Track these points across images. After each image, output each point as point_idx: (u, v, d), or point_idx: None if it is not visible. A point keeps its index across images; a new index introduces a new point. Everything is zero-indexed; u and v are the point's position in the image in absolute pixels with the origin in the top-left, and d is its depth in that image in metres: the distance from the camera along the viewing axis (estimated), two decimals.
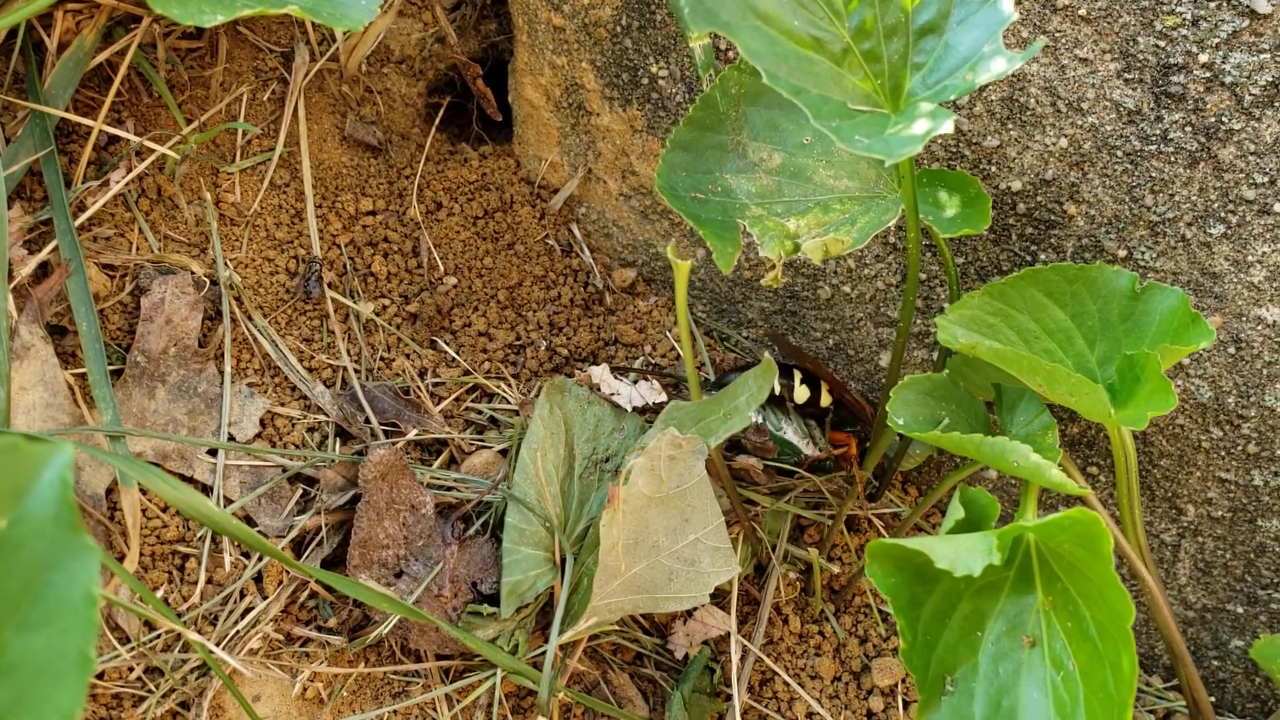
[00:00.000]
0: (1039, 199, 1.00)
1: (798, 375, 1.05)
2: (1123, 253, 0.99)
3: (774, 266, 0.85)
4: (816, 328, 1.18)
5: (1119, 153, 0.96)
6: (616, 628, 1.05)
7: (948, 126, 0.69)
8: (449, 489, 1.02)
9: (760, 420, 1.05)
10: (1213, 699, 1.19)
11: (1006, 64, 0.73)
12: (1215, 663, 1.17)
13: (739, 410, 0.87)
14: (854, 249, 0.86)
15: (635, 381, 1.04)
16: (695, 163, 0.91)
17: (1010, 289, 0.88)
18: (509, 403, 1.11)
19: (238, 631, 0.92)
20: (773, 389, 1.04)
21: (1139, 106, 0.94)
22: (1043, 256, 1.03)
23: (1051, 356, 0.88)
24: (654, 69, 1.12)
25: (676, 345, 1.19)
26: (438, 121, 1.25)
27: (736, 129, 0.92)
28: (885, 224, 0.87)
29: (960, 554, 0.74)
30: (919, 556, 0.77)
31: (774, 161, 0.93)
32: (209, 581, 0.93)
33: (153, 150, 1.02)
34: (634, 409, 1.03)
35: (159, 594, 0.92)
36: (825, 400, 1.06)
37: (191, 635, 0.79)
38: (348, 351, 1.07)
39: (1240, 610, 1.12)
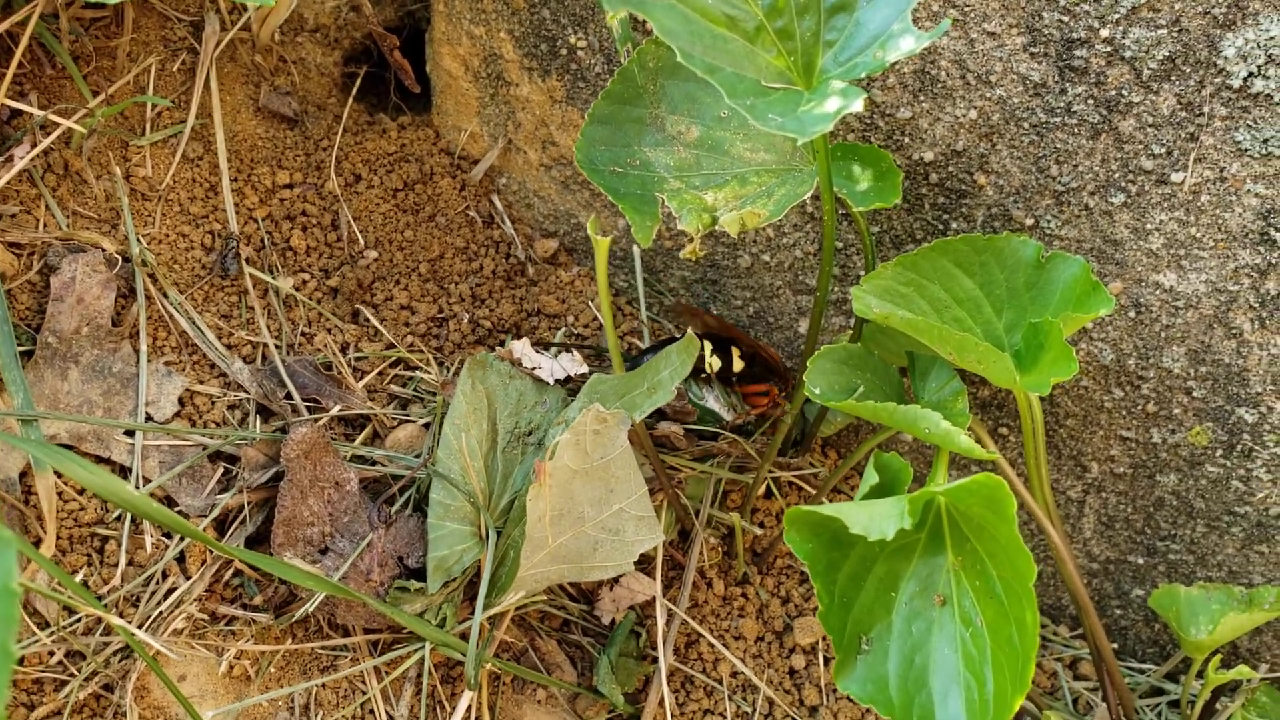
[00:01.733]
0: (950, 169, 1.03)
1: (707, 345, 1.07)
2: (1030, 221, 1.02)
3: (692, 240, 0.87)
4: (737, 295, 1.20)
5: (1025, 124, 0.98)
6: (543, 596, 1.06)
7: (858, 105, 0.71)
8: (374, 464, 1.02)
9: (680, 387, 1.07)
10: (1115, 645, 1.25)
11: (915, 42, 0.74)
12: (1118, 611, 1.23)
13: (663, 384, 0.88)
14: (770, 221, 0.87)
15: (556, 354, 1.05)
16: (614, 136, 0.92)
17: (922, 260, 0.90)
18: (433, 376, 1.11)
19: (160, 613, 0.91)
20: None
21: (1044, 79, 0.96)
22: (954, 225, 1.06)
23: (961, 325, 0.91)
24: (573, 40, 1.12)
25: (599, 315, 1.20)
26: (354, 91, 1.24)
27: (655, 102, 0.93)
28: (801, 196, 0.89)
29: (874, 519, 0.76)
30: (834, 522, 0.79)
31: (692, 135, 0.93)
32: (130, 563, 0.92)
33: (57, 124, 0.99)
34: (556, 381, 1.04)
35: (79, 577, 0.91)
36: (738, 365, 1.08)
37: (113, 619, 0.78)
38: (268, 327, 1.06)
39: (1140, 561, 1.17)
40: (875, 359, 0.92)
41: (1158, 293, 1.01)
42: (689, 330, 0.92)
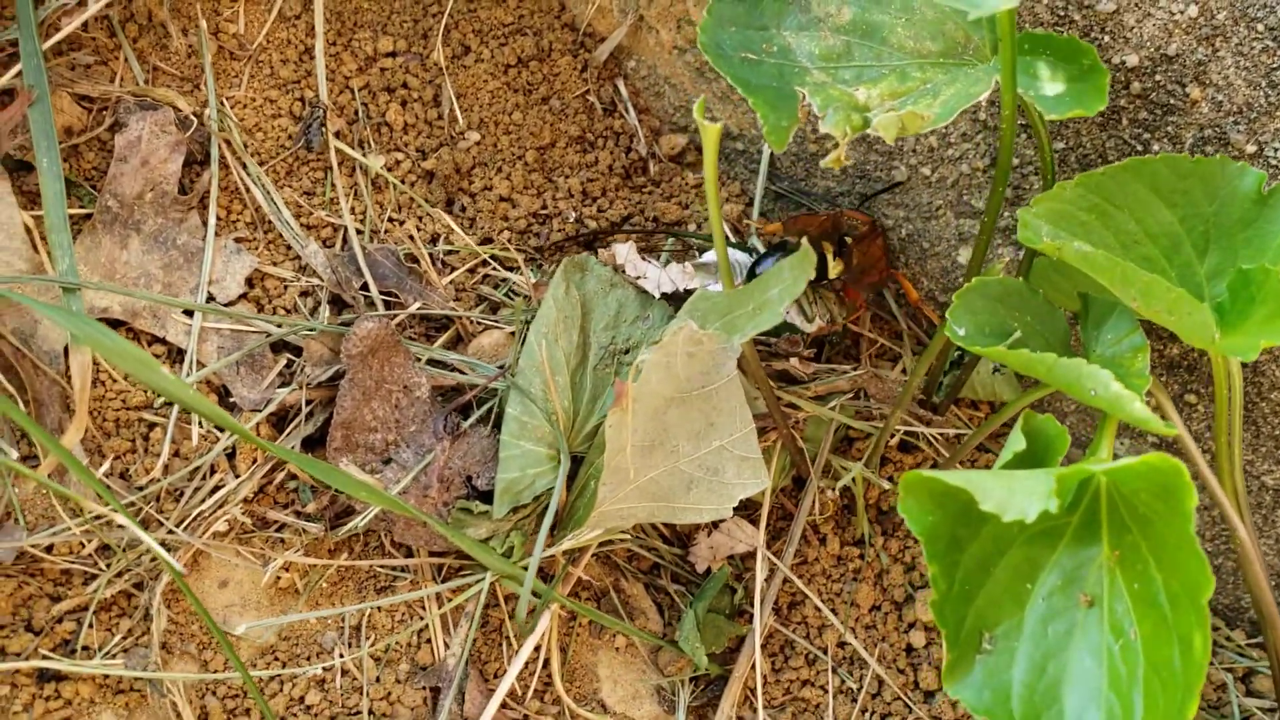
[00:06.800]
0: (1158, 78, 0.85)
1: (829, 249, 0.92)
2: (1252, 148, 0.83)
3: (837, 145, 0.72)
4: (889, 214, 1.04)
5: (1260, 26, 0.79)
6: (630, 535, 0.95)
7: None
8: (452, 370, 0.92)
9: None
10: None
11: None
12: None
13: (770, 304, 0.75)
14: (936, 126, 0.72)
15: (665, 263, 0.92)
16: (748, 16, 0.78)
17: (1110, 181, 0.74)
18: (530, 277, 1.00)
19: (202, 512, 0.83)
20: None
21: None
22: (1155, 147, 0.88)
23: (1152, 265, 0.74)
24: None
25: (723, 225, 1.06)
26: None
27: None
28: (975, 97, 0.74)
29: (1013, 495, 0.62)
30: (963, 494, 0.65)
31: (843, 17, 0.79)
32: (175, 454, 0.85)
33: None
34: (662, 295, 0.91)
35: (120, 464, 0.84)
36: (834, 270, 0.94)
37: (134, 527, 0.70)
38: (352, 209, 0.97)
39: None
40: (1039, 299, 0.76)
41: None
42: (804, 240, 0.78)
